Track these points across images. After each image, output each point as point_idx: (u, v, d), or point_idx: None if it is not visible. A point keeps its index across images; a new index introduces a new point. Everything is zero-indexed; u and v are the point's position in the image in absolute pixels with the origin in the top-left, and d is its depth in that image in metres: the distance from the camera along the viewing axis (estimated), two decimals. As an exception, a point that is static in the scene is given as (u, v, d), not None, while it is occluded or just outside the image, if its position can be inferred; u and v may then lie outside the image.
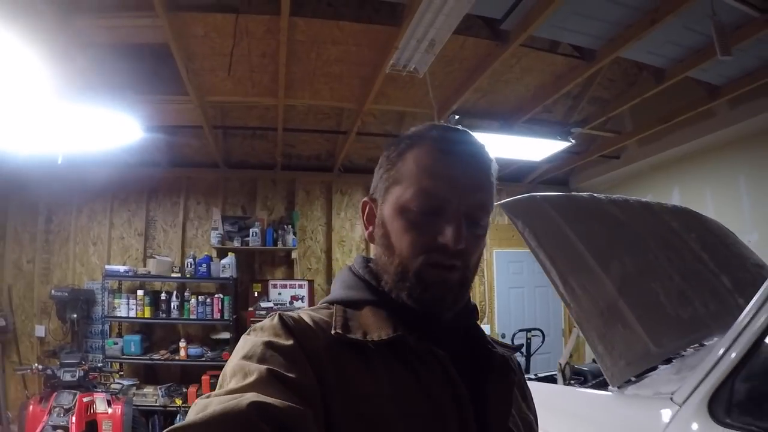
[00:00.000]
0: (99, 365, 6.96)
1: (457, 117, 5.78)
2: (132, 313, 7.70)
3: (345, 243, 8.84)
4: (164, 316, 7.77)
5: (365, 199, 1.21)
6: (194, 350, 7.63)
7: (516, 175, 9.35)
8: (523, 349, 7.31)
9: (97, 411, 6.15)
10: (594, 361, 3.25)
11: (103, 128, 5.64)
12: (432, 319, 1.08)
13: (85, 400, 6.03)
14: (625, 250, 3.33)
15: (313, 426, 0.82)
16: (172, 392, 7.53)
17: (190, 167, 8.54)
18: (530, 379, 4.25)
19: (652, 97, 5.84)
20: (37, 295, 8.01)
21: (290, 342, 0.94)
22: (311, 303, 8.05)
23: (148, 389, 7.52)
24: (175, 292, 7.86)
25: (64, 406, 5.89)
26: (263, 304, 7.71)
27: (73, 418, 5.80)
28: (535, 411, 1.26)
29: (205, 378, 7.33)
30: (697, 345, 3.02)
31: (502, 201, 3.40)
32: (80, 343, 7.61)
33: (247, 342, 0.96)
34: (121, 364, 7.73)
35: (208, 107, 6.36)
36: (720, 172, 6.78)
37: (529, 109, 6.41)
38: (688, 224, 3.83)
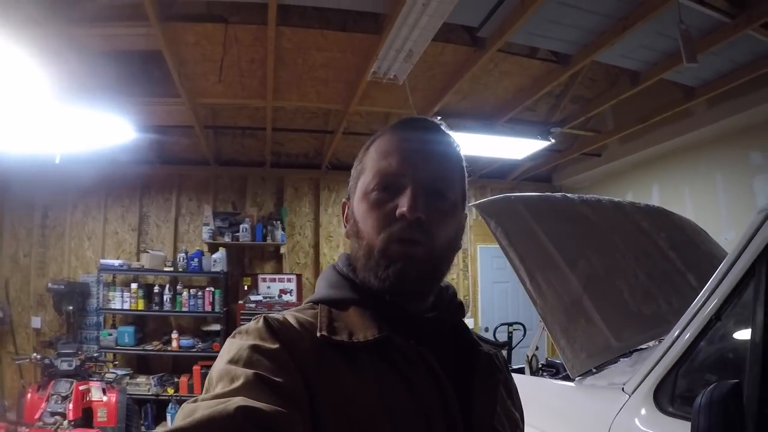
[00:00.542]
0: (95, 355, 7.10)
1: (439, 118, 5.89)
2: (126, 306, 7.89)
3: (332, 238, 8.98)
4: (157, 308, 7.96)
5: (343, 200, 1.23)
6: (186, 341, 7.82)
7: (499, 173, 9.48)
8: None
9: (93, 399, 6.32)
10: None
11: (96, 128, 5.79)
12: (417, 317, 1.09)
13: (81, 388, 6.20)
14: (594, 250, 3.43)
15: (300, 429, 0.82)
16: (164, 382, 7.73)
17: (182, 165, 8.68)
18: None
19: (632, 97, 5.97)
20: (33, 287, 8.19)
21: (276, 345, 0.93)
22: (299, 296, 8.24)
23: (141, 379, 7.73)
24: (167, 286, 8.02)
25: (62, 394, 6.06)
26: (253, 297, 7.90)
27: (70, 405, 5.97)
28: (521, 409, 1.26)
29: (196, 368, 7.53)
30: (657, 340, 3.17)
31: (477, 202, 3.57)
32: (76, 334, 7.81)
33: (233, 345, 0.94)
34: (114, 355, 7.90)
35: (199, 108, 6.51)
36: (698, 170, 6.89)
37: (510, 109, 6.57)
38: (658, 224, 3.91)
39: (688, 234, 4.11)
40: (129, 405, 6.78)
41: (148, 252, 8.14)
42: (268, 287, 8.28)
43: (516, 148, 6.98)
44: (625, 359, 2.96)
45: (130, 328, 7.89)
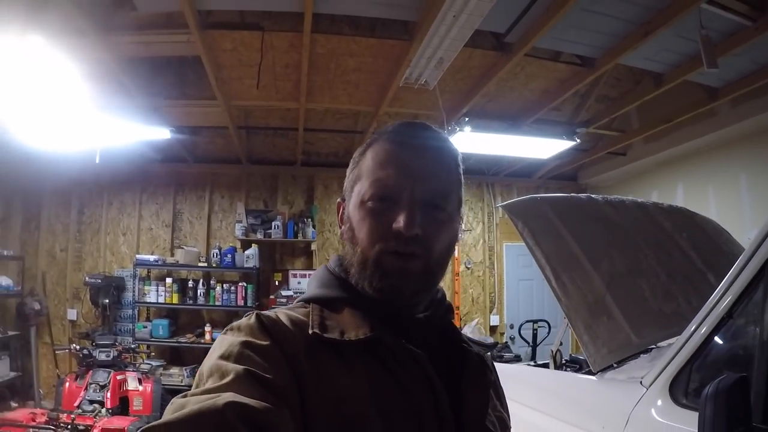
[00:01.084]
0: (132, 346, 7.30)
1: (467, 119, 6.00)
2: (161, 299, 8.12)
3: (360, 235, 9.03)
4: (191, 302, 8.18)
5: (339, 200, 1.22)
6: (218, 334, 7.86)
7: (525, 172, 9.54)
8: (530, 340, 7.51)
9: (129, 388, 6.52)
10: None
11: (133, 129, 6.03)
12: (408, 317, 1.10)
13: (118, 378, 6.39)
14: (617, 249, 3.50)
15: (290, 426, 0.82)
16: (196, 373, 7.83)
17: (215, 163, 8.88)
18: (529, 366, 4.58)
19: (656, 98, 6.00)
20: (69, 281, 8.48)
21: (267, 342, 0.93)
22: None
23: (174, 370, 7.96)
24: (201, 280, 8.22)
25: (100, 383, 6.26)
26: (284, 292, 8.08)
27: (108, 394, 6.17)
28: (507, 409, 1.26)
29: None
30: (676, 337, 3.25)
31: (504, 203, 3.68)
32: (111, 327, 8.07)
33: (224, 341, 0.94)
34: (149, 346, 8.14)
35: (233, 110, 6.67)
36: (722, 169, 6.88)
37: (536, 110, 6.64)
38: (680, 224, 3.95)
39: (709, 234, 4.13)
40: (163, 395, 6.90)
41: (182, 248, 8.34)
42: (299, 282, 8.42)
43: (542, 147, 7.02)
44: (645, 355, 3.04)
45: (165, 321, 8.11)
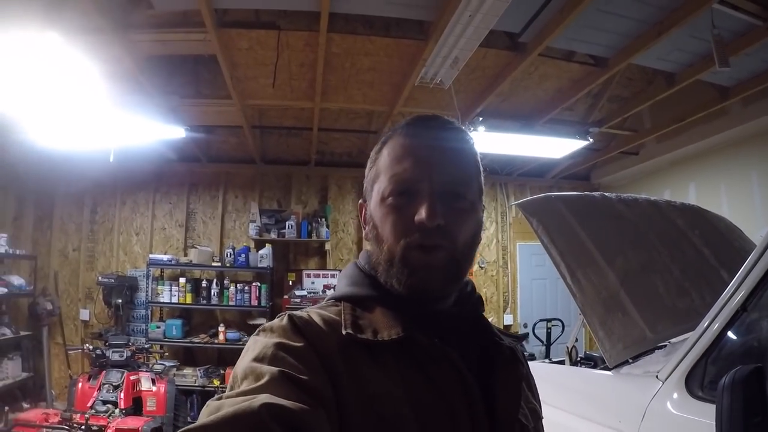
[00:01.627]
0: (146, 347, 7.35)
1: (480, 119, 6.02)
2: (174, 299, 8.11)
3: (375, 235, 9.04)
4: (204, 302, 8.16)
5: (360, 201, 1.24)
6: (232, 334, 8.03)
7: (539, 171, 9.54)
8: (544, 339, 7.53)
9: (143, 389, 6.54)
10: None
11: (147, 127, 6.08)
12: (439, 313, 1.10)
13: (131, 378, 6.43)
14: (631, 246, 3.55)
15: (326, 427, 0.83)
16: (210, 373, 7.93)
17: (229, 163, 8.90)
18: (544, 362, 4.60)
19: (668, 97, 6.01)
20: (82, 281, 8.51)
21: (301, 343, 0.94)
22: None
23: (188, 370, 7.95)
24: (214, 280, 8.22)
25: (113, 383, 6.29)
26: (297, 292, 8.10)
27: (122, 394, 6.20)
28: (539, 398, 1.26)
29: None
30: (691, 332, 3.27)
31: (518, 201, 3.71)
32: (124, 327, 8.06)
33: (258, 343, 0.94)
34: (162, 346, 8.13)
35: (247, 109, 6.70)
36: (733, 168, 6.90)
37: (549, 110, 6.65)
38: (693, 222, 3.97)
39: (721, 231, 4.16)
40: (176, 395, 6.97)
41: (196, 247, 8.34)
42: (313, 282, 8.43)
43: (555, 147, 7.02)
44: (660, 350, 3.06)
45: (178, 321, 8.11)
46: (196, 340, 8.12)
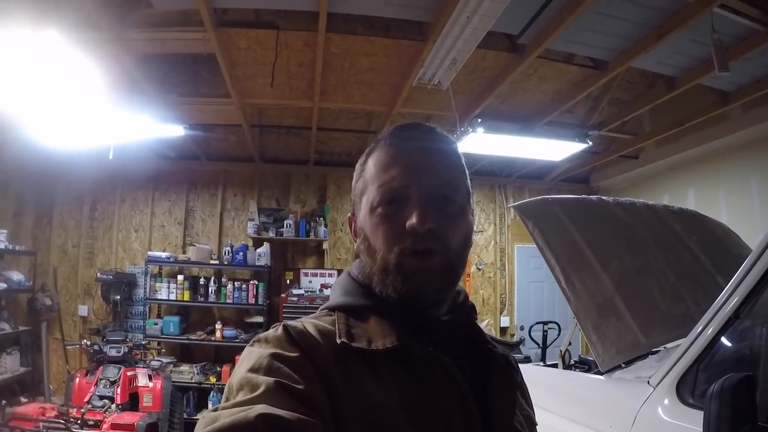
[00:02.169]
0: (143, 343, 7.35)
1: (479, 120, 6.00)
2: (172, 296, 8.14)
3: (372, 235, 9.04)
4: (202, 299, 8.18)
5: (349, 215, 1.22)
6: (229, 332, 8.06)
7: (537, 174, 9.55)
8: (540, 341, 7.52)
9: (139, 384, 6.53)
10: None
11: (146, 125, 6.07)
12: (433, 321, 1.09)
13: (128, 374, 6.42)
14: (626, 251, 3.52)
15: None
16: (206, 370, 7.96)
17: (228, 161, 8.92)
18: (537, 365, 4.61)
19: (668, 101, 6.00)
20: (80, 277, 8.54)
21: (296, 353, 0.93)
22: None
23: (185, 367, 7.99)
24: (212, 278, 8.22)
25: (110, 379, 6.29)
26: (295, 291, 8.06)
27: (118, 390, 6.19)
28: (532, 405, 1.27)
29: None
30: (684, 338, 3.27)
31: (515, 203, 3.70)
32: (122, 323, 8.08)
33: (253, 354, 0.94)
34: (159, 343, 8.10)
35: (246, 108, 6.70)
36: (733, 174, 6.88)
37: (549, 112, 6.66)
38: (690, 227, 3.95)
39: (719, 237, 4.14)
40: (172, 392, 6.95)
41: (194, 245, 8.35)
42: (310, 281, 8.43)
43: (554, 149, 6.99)
44: (653, 356, 3.07)
45: (176, 318, 8.14)
46: (193, 337, 8.13)
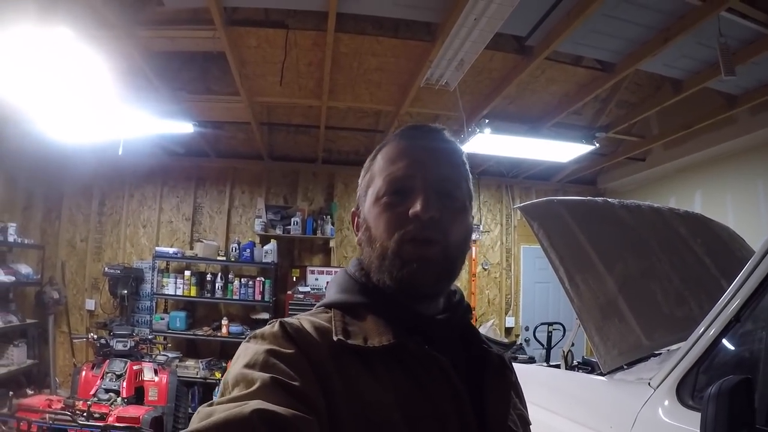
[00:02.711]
0: (150, 337, 7.36)
1: (487, 121, 6.01)
2: (179, 292, 8.19)
3: (379, 234, 9.06)
4: (209, 295, 8.25)
5: (353, 210, 1.24)
6: (235, 328, 8.09)
7: (544, 175, 9.54)
8: (544, 342, 7.52)
9: (145, 378, 6.58)
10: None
11: (157, 123, 6.12)
12: (429, 320, 1.10)
13: (134, 368, 6.49)
14: (630, 253, 3.52)
15: None
16: (212, 366, 8.00)
17: (236, 158, 8.95)
18: (541, 365, 4.62)
19: (675, 104, 6.00)
20: (88, 271, 8.59)
21: (292, 350, 0.93)
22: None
23: (190, 362, 8.03)
24: (219, 274, 8.29)
25: (116, 373, 6.35)
26: (301, 288, 8.11)
27: (124, 383, 6.25)
28: (526, 405, 1.27)
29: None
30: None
31: (521, 204, 3.72)
32: (128, 317, 8.17)
33: (249, 350, 0.94)
34: (165, 338, 8.20)
35: (255, 106, 6.73)
36: (740, 177, 6.87)
37: (556, 114, 6.67)
38: (695, 230, 3.93)
39: (724, 241, 4.11)
40: (178, 386, 7.01)
41: (202, 241, 8.40)
42: (316, 279, 8.44)
43: (561, 151, 6.99)
44: (655, 358, 3.05)
45: (182, 313, 8.19)
46: (199, 332, 8.18)
